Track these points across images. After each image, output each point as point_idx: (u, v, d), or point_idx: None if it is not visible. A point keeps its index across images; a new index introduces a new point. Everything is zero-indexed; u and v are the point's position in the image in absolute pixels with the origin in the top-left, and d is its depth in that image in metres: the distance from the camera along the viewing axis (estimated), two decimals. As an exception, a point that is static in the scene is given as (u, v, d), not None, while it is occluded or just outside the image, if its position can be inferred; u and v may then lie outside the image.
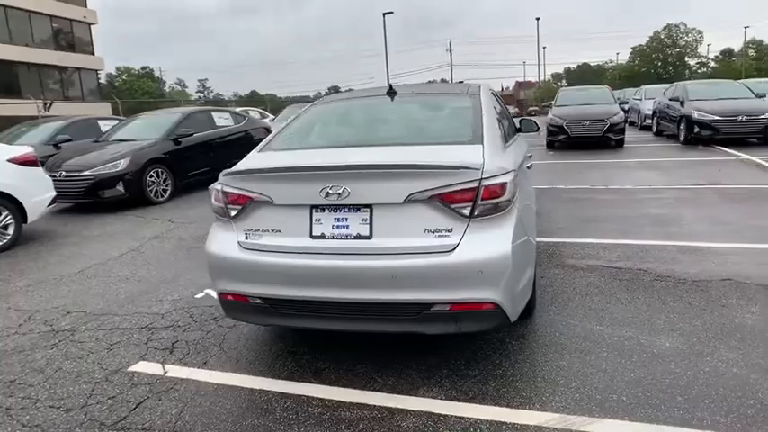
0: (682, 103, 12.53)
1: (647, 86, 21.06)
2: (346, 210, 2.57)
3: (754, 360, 2.66)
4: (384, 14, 40.68)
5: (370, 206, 2.53)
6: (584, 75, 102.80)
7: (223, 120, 10.19)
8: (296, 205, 2.64)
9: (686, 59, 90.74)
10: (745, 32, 78.47)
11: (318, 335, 3.23)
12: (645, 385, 2.50)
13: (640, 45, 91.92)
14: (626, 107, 20.04)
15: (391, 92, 3.62)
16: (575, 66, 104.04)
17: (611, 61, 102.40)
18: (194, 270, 4.70)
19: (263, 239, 2.70)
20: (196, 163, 9.12)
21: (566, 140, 12.48)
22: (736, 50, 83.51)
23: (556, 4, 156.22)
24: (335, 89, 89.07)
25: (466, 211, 2.45)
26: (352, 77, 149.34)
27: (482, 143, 2.81)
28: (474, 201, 2.44)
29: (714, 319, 3.15)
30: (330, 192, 2.52)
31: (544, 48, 77.41)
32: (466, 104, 3.38)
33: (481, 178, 2.45)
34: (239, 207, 2.75)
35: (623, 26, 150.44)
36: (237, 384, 2.76)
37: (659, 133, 14.95)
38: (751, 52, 77.61)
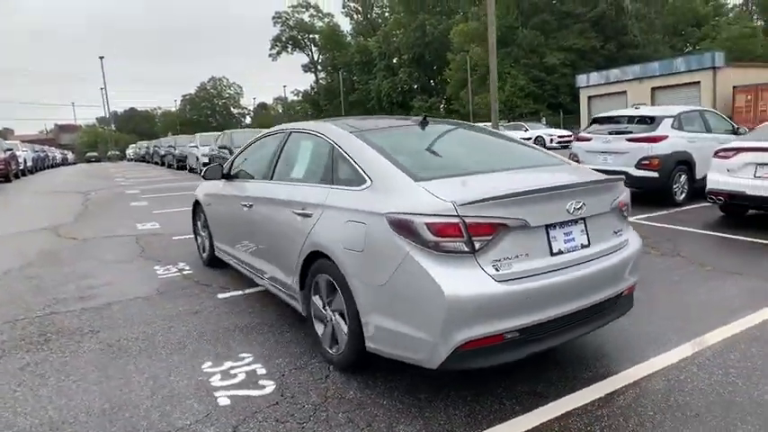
0: (230, 151, 14.05)
1: (200, 134, 21.75)
2: (570, 224, 2.78)
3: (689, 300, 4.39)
4: None
5: (584, 218, 2.83)
6: (132, 120, 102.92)
7: None
8: (537, 226, 2.63)
9: (232, 109, 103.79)
10: (285, 89, 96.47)
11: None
12: (677, 317, 3.79)
13: (190, 94, 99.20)
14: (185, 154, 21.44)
15: (424, 122, 3.67)
16: (122, 110, 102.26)
17: (159, 108, 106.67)
18: (118, 388, 3.08)
19: (514, 267, 2.54)
20: None
21: None
22: (268, 104, 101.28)
23: (109, 44, 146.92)
24: None
25: (626, 214, 3.13)
26: None
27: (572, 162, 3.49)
28: (627, 205, 3.15)
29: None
30: (577, 207, 2.70)
31: (102, 88, 72.33)
32: (497, 132, 3.89)
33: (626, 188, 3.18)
34: (488, 237, 2.47)
35: (177, 74, 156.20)
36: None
37: None
38: (279, 107, 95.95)
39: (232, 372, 3.19)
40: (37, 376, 3.24)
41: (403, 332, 2.59)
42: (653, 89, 29.34)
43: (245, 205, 4.17)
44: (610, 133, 8.48)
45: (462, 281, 2.42)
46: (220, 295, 4.65)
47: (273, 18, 77.01)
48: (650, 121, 8.16)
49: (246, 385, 3.01)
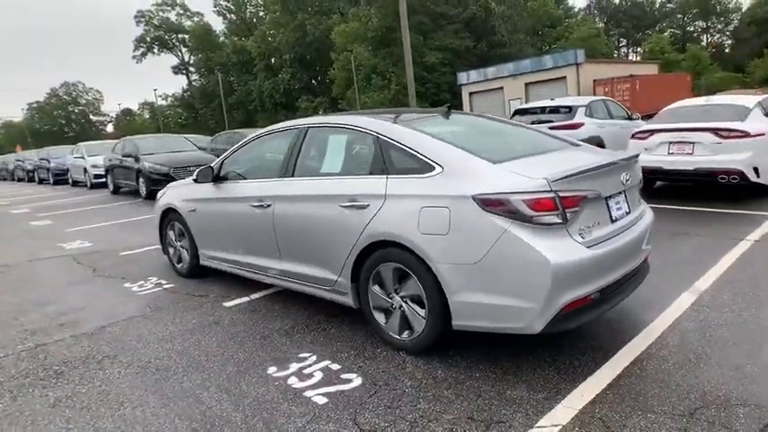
0: (136, 159, 12.40)
1: (84, 144, 19.08)
2: (618, 194, 3.15)
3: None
4: None
5: (625, 189, 3.22)
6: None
7: None
8: (604, 197, 2.95)
9: (91, 117, 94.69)
10: (155, 93, 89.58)
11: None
12: (662, 273, 4.40)
13: (39, 101, 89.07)
14: (65, 167, 19.27)
15: (448, 112, 3.85)
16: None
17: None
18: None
19: (593, 234, 2.85)
20: None
21: None
22: (134, 110, 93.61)
23: None
24: None
25: (641, 186, 3.59)
26: None
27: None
28: (641, 179, 3.61)
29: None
30: (626, 178, 3.07)
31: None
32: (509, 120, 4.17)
33: None
34: (576, 208, 2.75)
35: (21, 80, 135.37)
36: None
37: (117, 191, 14.28)
38: (146, 113, 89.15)
39: (305, 372, 3.12)
40: (82, 410, 2.88)
41: (500, 304, 2.76)
42: (526, 84, 32.21)
43: (259, 205, 4.02)
44: (533, 123, 9.31)
45: (561, 249, 2.66)
46: (226, 304, 4.41)
47: (136, 17, 71.41)
48: (567, 110, 9.13)
49: (331, 382, 2.98)
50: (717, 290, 3.89)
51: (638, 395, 2.62)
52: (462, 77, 35.93)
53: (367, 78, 45.86)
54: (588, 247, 2.75)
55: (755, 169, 6.44)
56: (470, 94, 35.75)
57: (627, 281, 3.19)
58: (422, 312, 3.10)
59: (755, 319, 3.35)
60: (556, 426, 2.43)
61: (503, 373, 2.94)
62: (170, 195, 5.31)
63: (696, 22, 60.83)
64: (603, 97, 11.03)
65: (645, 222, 3.38)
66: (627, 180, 3.12)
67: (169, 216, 5.30)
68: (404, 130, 3.34)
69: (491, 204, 2.73)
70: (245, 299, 4.49)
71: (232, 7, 67.93)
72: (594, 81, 29.09)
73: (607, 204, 3.02)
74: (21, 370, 3.45)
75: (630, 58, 61.33)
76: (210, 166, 4.64)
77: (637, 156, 3.43)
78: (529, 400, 2.65)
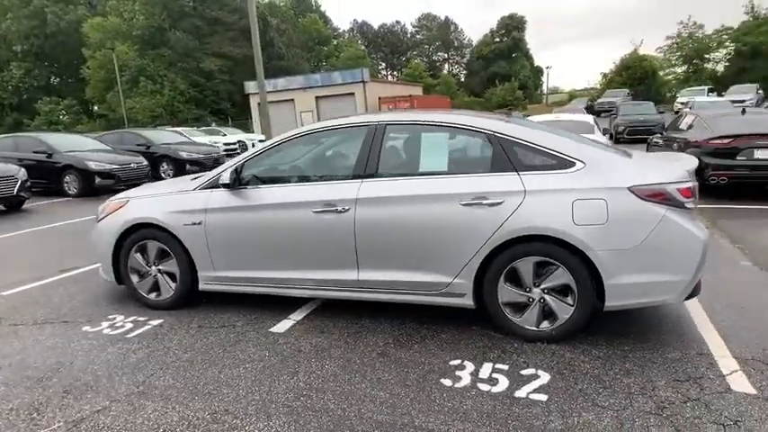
0: None
1: None
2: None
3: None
4: None
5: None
6: None
7: None
8: None
9: None
10: None
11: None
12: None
13: None
14: None
15: (510, 113, 4.06)
16: None
17: None
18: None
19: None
20: None
21: None
22: None
23: None
24: None
25: None
26: None
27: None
28: None
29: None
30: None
31: None
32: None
33: None
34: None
35: None
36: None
37: None
38: None
39: (482, 377, 3.00)
40: None
41: (655, 281, 3.17)
42: (317, 98, 33.39)
43: (330, 210, 3.59)
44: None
45: (700, 229, 3.22)
46: (274, 330, 3.76)
47: None
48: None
49: (521, 381, 2.94)
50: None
51: (762, 336, 3.32)
52: (250, 86, 35.18)
53: (134, 81, 40.91)
54: (704, 230, 3.38)
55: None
56: (259, 103, 35.22)
57: None
58: (569, 300, 3.30)
59: (755, 281, 4.44)
60: (735, 371, 2.95)
61: (641, 341, 3.34)
62: (139, 207, 4.19)
63: (439, 53, 72.35)
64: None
65: None
66: None
67: (137, 234, 4.18)
68: (524, 129, 3.48)
69: (649, 194, 3.12)
70: (289, 321, 3.90)
71: None
72: (380, 98, 31.96)
73: (680, 194, 3.72)
74: (103, 457, 2.41)
75: (390, 80, 69.34)
76: (235, 169, 3.87)
77: None
78: (690, 357, 3.12)
